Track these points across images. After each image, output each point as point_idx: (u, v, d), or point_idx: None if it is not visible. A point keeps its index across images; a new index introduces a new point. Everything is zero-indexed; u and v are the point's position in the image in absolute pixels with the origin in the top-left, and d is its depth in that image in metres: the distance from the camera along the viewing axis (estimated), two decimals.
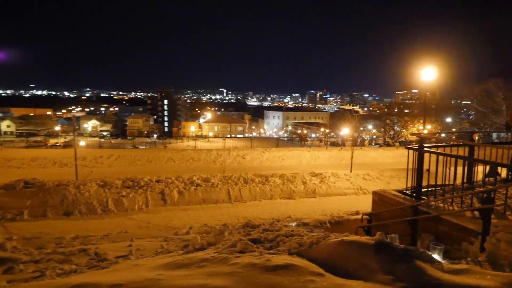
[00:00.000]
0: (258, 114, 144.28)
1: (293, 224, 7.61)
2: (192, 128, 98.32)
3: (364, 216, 8.35)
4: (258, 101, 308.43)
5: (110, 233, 9.93)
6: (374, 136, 68.87)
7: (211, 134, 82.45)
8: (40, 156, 19.48)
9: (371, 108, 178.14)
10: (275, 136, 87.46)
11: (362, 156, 23.20)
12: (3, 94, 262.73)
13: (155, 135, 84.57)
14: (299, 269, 2.87)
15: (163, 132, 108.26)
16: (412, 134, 27.49)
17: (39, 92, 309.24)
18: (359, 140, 48.01)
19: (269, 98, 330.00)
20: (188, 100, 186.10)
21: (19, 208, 11.71)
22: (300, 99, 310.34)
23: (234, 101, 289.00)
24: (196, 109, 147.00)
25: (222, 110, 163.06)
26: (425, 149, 6.68)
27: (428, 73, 17.57)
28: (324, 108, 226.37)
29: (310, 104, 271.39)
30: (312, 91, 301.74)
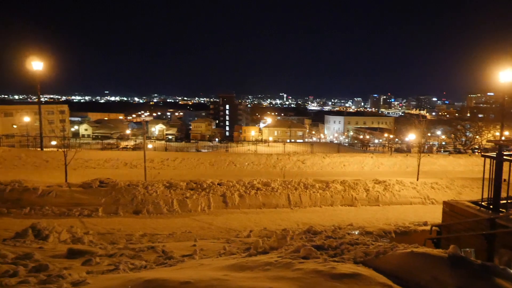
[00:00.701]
0: (318, 118, 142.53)
1: (356, 232, 7.37)
2: (252, 132, 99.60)
3: (434, 228, 7.86)
4: (319, 105, 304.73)
5: (175, 232, 10.39)
6: (443, 143, 64.74)
7: (271, 138, 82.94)
8: (113, 157, 20.92)
9: (440, 113, 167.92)
10: (336, 142, 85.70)
11: (430, 164, 21.90)
12: (82, 100, 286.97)
13: (216, 139, 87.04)
14: (365, 279, 2.78)
15: (224, 136, 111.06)
16: (489, 141, 25.37)
17: (112, 98, 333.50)
18: (426, 147, 45.43)
19: (330, 103, 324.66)
20: (248, 105, 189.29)
21: (94, 205, 12.68)
22: (362, 104, 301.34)
23: (294, 106, 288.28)
24: (257, 114, 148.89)
25: (282, 114, 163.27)
26: (504, 157, 6.14)
27: (507, 75, 16.16)
28: (388, 113, 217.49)
29: (373, 109, 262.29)
30: (375, 95, 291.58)
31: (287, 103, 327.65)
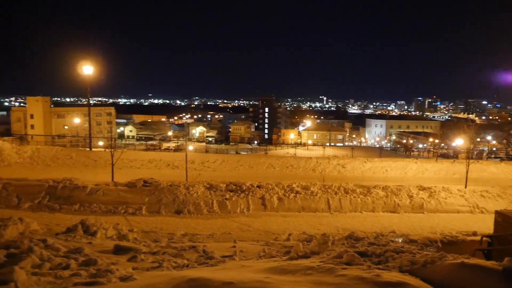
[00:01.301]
0: (359, 122, 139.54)
1: (399, 240, 7.12)
2: (291, 135, 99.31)
3: (484, 238, 7.44)
4: (360, 109, 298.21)
5: (215, 233, 10.55)
6: (494, 149, 61.19)
7: (310, 142, 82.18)
8: (156, 158, 21.61)
9: (490, 117, 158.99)
10: (378, 146, 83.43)
11: (479, 171, 20.78)
12: (127, 103, 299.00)
13: (255, 142, 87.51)
14: None
15: (263, 139, 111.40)
16: None
17: (156, 101, 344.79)
18: (475, 153, 43.14)
19: (371, 106, 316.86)
20: (288, 108, 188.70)
21: (138, 204, 13.15)
22: (405, 107, 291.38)
23: (334, 109, 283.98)
24: (296, 117, 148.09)
25: (322, 118, 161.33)
26: None
27: None
28: (433, 117, 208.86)
29: (417, 112, 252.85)
30: (420, 98, 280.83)
31: (327, 106, 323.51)
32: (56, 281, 3.57)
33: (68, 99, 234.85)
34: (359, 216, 13.46)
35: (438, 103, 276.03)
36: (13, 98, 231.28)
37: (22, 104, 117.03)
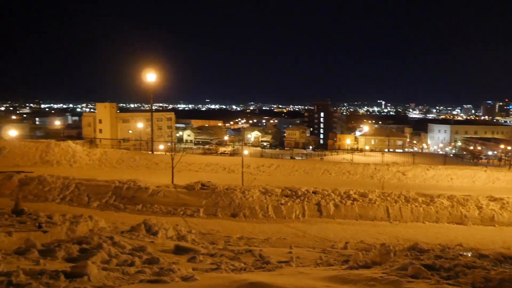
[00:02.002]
0: (420, 127, 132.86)
1: (469, 254, 6.63)
2: (347, 141, 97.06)
3: None
4: (421, 113, 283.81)
5: (270, 237, 10.55)
6: None
7: (367, 147, 79.74)
8: (213, 162, 22.18)
9: None
10: (441, 152, 78.80)
11: None
12: (186, 108, 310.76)
13: (310, 147, 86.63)
14: None
15: (318, 144, 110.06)
16: None
17: (212, 106, 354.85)
18: None
19: (434, 110, 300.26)
20: (344, 113, 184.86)
21: (196, 206, 13.56)
22: (473, 111, 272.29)
23: (394, 114, 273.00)
24: (352, 122, 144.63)
25: (380, 123, 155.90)
26: None
27: None
28: (505, 121, 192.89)
29: (487, 117, 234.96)
30: (490, 102, 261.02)
31: (385, 110, 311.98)
32: (123, 277, 3.78)
33: (132, 105, 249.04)
34: (421, 226, 12.76)
35: (511, 106, 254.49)
36: (84, 104, 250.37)
37: (92, 110, 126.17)
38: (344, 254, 7.06)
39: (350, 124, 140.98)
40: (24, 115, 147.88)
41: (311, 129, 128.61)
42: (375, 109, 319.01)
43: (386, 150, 63.16)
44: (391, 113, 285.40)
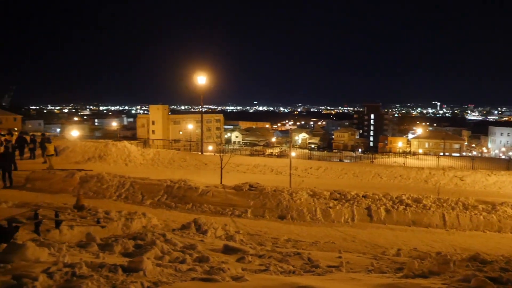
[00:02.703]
0: (479, 130, 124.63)
1: None
2: (399, 143, 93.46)
3: None
4: (481, 115, 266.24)
5: (318, 241, 10.40)
6: None
7: (420, 151, 76.26)
8: (260, 163, 22.29)
9: None
10: (503, 157, 73.44)
11: None
12: (234, 110, 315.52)
13: (360, 150, 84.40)
14: None
15: (368, 147, 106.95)
16: None
17: (260, 108, 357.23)
18: None
19: (495, 112, 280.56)
20: (395, 115, 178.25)
21: (244, 207, 13.69)
22: None
23: (450, 116, 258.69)
24: (404, 124, 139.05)
25: (435, 125, 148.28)
26: None
27: None
28: None
29: None
30: None
31: (440, 112, 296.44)
32: (176, 273, 3.89)
33: (183, 107, 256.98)
34: (481, 235, 11.95)
35: None
36: (138, 106, 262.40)
37: (145, 112, 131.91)
38: (397, 261, 6.78)
39: (402, 126, 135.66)
40: (85, 117, 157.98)
41: (361, 131, 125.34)
42: (430, 110, 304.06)
43: (442, 153, 60.00)
44: (447, 115, 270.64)
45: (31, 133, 24.49)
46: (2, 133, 21.90)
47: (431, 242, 11.11)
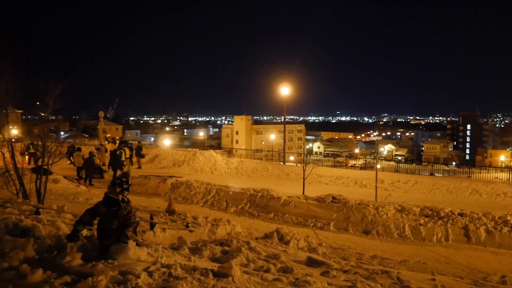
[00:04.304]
0: None
1: None
2: (501, 157, 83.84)
3: None
4: None
5: (407, 260, 9.76)
6: None
7: None
8: (343, 175, 21.69)
9: None
10: None
11: None
12: (316, 120, 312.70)
13: (454, 163, 77.51)
14: None
15: (463, 160, 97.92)
16: None
17: (343, 118, 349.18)
18: None
19: None
20: (497, 125, 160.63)
21: (327, 219, 13.42)
22: None
23: None
24: (508, 136, 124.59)
25: None
26: None
27: None
28: None
29: None
30: None
31: None
32: (262, 282, 3.96)
33: (265, 117, 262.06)
34: None
35: None
36: (223, 117, 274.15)
37: (230, 122, 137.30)
38: None
39: (505, 138, 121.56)
40: (175, 127, 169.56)
41: (455, 143, 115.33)
42: None
43: None
44: None
45: (130, 142, 27.06)
46: (109, 140, 24.66)
47: None
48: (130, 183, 4.25)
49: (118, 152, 19.43)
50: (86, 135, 52.22)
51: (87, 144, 32.35)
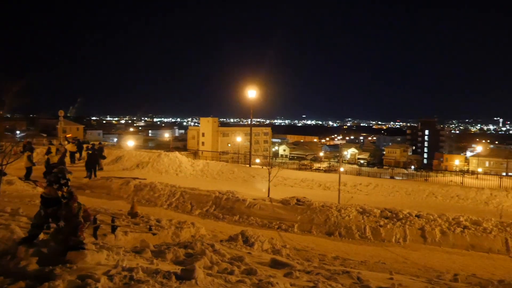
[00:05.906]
0: None
1: None
2: (456, 161, 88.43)
3: None
4: None
5: (367, 260, 10.07)
6: None
7: (480, 170, 71.55)
8: (308, 178, 22.07)
9: None
10: None
11: None
12: (282, 124, 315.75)
13: (412, 167, 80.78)
14: None
15: (421, 164, 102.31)
16: None
17: (308, 122, 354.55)
18: None
19: None
20: (452, 131, 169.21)
21: (291, 221, 13.60)
22: None
23: None
24: (463, 141, 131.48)
25: (496, 142, 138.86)
26: None
27: None
28: None
29: None
30: None
31: (503, 129, 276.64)
32: (226, 284, 3.97)
33: (232, 120, 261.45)
34: None
35: None
36: (190, 119, 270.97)
37: (196, 124, 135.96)
38: (454, 287, 6.39)
39: (459, 143, 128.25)
40: (140, 128, 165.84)
41: (414, 147, 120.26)
42: (491, 127, 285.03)
43: (505, 173, 55.78)
44: (510, 132, 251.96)
45: (91, 142, 26.25)
46: (69, 140, 23.96)
47: (492, 269, 10.36)
48: (67, 177, 4.10)
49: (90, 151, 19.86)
50: (45, 135, 50.03)
51: (45, 144, 31.01)
